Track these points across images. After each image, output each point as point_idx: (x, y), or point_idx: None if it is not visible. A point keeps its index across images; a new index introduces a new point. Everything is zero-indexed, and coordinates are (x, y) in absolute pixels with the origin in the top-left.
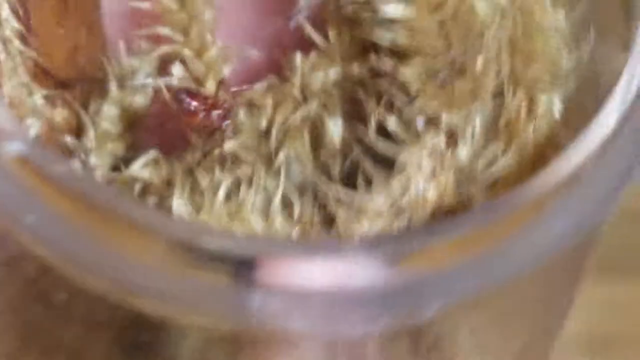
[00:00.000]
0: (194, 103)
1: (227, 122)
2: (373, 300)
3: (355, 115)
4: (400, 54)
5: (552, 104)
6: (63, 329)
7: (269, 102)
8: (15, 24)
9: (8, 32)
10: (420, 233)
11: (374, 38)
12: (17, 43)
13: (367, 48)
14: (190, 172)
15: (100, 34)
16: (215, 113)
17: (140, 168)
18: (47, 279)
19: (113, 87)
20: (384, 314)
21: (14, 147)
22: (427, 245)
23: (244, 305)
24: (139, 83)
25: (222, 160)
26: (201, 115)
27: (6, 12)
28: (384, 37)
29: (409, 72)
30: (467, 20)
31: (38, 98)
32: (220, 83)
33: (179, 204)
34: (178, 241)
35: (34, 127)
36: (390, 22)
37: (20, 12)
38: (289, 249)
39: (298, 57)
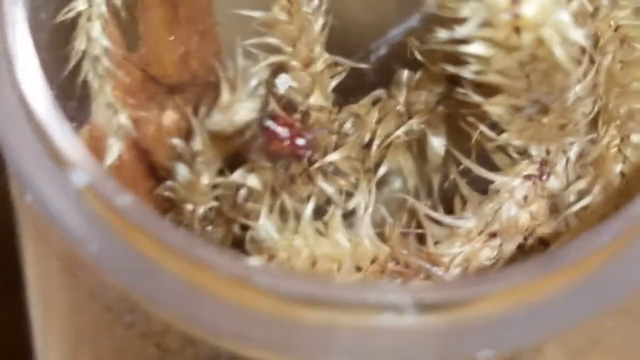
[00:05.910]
0: (279, 129)
1: (310, 152)
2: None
3: (453, 136)
4: (485, 90)
5: None
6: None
7: (373, 116)
8: (105, 42)
9: (97, 52)
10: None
11: (460, 73)
12: (105, 62)
13: (453, 82)
14: (278, 191)
15: (213, 39)
16: (300, 141)
17: (243, 174)
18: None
19: (225, 91)
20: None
21: (81, 178)
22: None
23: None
24: (251, 87)
25: (310, 178)
26: (286, 142)
27: (97, 31)
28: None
29: (496, 107)
30: (546, 62)
31: (123, 117)
32: (306, 114)
33: (265, 223)
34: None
35: (116, 146)
36: (475, 59)
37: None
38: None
39: (404, 74)
